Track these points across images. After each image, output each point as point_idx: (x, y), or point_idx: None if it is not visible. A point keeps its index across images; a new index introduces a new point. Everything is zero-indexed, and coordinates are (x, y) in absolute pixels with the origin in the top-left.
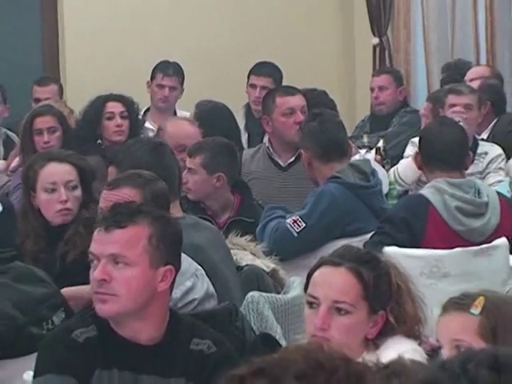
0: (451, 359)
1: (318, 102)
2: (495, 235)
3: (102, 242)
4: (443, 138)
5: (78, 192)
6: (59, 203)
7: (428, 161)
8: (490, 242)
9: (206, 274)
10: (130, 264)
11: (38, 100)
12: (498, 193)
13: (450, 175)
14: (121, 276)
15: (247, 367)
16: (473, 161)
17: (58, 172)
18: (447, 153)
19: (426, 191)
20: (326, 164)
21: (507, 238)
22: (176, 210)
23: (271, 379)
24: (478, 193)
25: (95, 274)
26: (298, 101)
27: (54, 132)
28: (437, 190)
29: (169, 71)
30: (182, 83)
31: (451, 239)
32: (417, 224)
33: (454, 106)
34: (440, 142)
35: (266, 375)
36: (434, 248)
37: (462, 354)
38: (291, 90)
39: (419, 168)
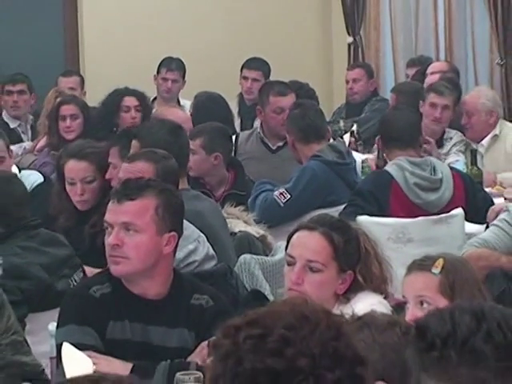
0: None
1: (301, 92)
2: (450, 206)
3: (115, 212)
4: (398, 120)
5: (95, 184)
6: (77, 195)
7: (387, 141)
8: (445, 211)
9: (206, 237)
10: (139, 231)
11: (57, 91)
12: (452, 168)
13: (406, 153)
14: (131, 241)
15: (242, 319)
16: (442, 144)
17: (75, 169)
18: (402, 132)
19: (389, 168)
20: (306, 145)
21: (462, 207)
22: (183, 184)
23: (263, 329)
24: (434, 170)
25: (110, 239)
26: (288, 100)
27: (76, 119)
28: (399, 167)
29: (172, 66)
30: (183, 76)
31: (411, 210)
32: (382, 196)
33: (434, 105)
34: (395, 124)
35: (259, 326)
36: (397, 217)
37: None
38: (283, 91)
39: (380, 150)
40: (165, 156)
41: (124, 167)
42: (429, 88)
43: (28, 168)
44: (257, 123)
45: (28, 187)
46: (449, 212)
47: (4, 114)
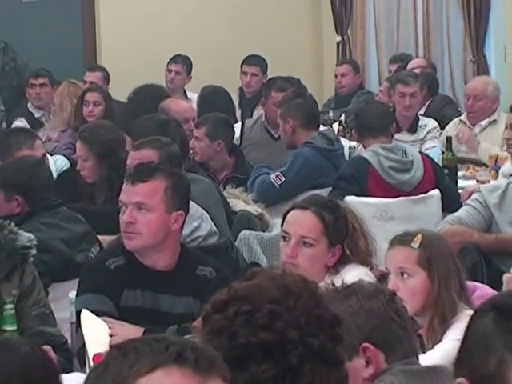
0: None
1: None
2: (421, 185)
3: (129, 193)
4: (369, 113)
5: (89, 163)
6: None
7: (361, 131)
8: (417, 190)
9: None
10: (150, 210)
11: (85, 82)
12: (421, 153)
13: (378, 140)
14: (143, 219)
15: (229, 293)
16: (416, 130)
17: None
18: (373, 123)
19: (366, 154)
20: (307, 131)
21: (433, 188)
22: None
23: (252, 305)
24: (405, 154)
25: (124, 217)
26: None
27: (98, 105)
28: (374, 153)
29: (176, 60)
30: (187, 71)
31: (387, 190)
32: (361, 179)
33: (402, 94)
34: (367, 115)
35: (247, 301)
36: (376, 197)
37: None
38: (284, 87)
39: (357, 141)
40: (167, 142)
41: (131, 155)
42: (396, 79)
43: (51, 154)
44: (255, 113)
45: (55, 172)
46: (421, 190)
47: (29, 104)
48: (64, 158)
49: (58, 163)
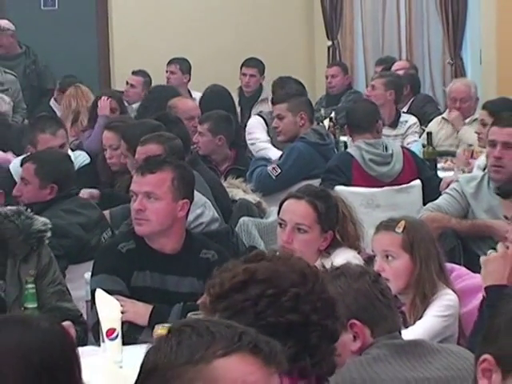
0: None
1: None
2: (401, 176)
3: (139, 183)
4: (356, 112)
5: (119, 151)
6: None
7: (350, 128)
8: (397, 180)
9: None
10: (158, 198)
11: (127, 83)
12: (403, 147)
13: (363, 136)
14: (152, 207)
15: (246, 275)
16: (397, 125)
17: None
18: (359, 121)
19: (350, 149)
20: (311, 125)
21: (414, 179)
22: None
23: (275, 288)
24: (386, 148)
25: (135, 205)
26: None
27: (113, 112)
28: (357, 148)
29: (171, 61)
30: (181, 70)
31: (369, 181)
32: (346, 171)
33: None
34: (354, 114)
35: (270, 285)
36: (360, 185)
37: None
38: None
39: (349, 136)
40: (170, 137)
41: (138, 149)
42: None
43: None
44: (254, 111)
45: (76, 166)
46: (401, 181)
47: (52, 102)
48: (85, 154)
49: (79, 159)
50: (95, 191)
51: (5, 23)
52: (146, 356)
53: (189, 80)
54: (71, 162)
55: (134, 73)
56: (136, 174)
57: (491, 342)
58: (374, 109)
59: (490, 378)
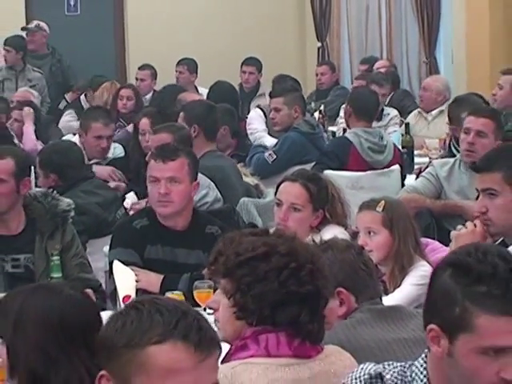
0: None
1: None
2: (390, 165)
3: (162, 170)
4: (362, 96)
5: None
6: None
7: (355, 112)
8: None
9: (224, 184)
10: (180, 182)
11: (137, 79)
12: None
13: (362, 123)
14: (176, 189)
15: (268, 247)
16: (381, 118)
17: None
18: (365, 106)
19: (348, 135)
20: (303, 117)
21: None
22: (213, 146)
23: (296, 262)
24: (381, 138)
25: (161, 190)
26: None
27: (131, 100)
28: (355, 135)
29: (180, 62)
30: (189, 70)
31: (363, 166)
32: (342, 155)
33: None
34: (360, 99)
35: (292, 259)
36: (353, 171)
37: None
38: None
39: (346, 121)
40: (180, 127)
41: (151, 138)
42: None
43: None
44: (252, 104)
45: (111, 156)
46: (388, 165)
47: (82, 98)
48: (121, 147)
49: (116, 151)
50: (122, 185)
51: (42, 24)
52: (101, 330)
53: (195, 78)
54: (74, 150)
55: (140, 68)
56: (156, 161)
57: (433, 312)
58: (377, 97)
59: (439, 344)
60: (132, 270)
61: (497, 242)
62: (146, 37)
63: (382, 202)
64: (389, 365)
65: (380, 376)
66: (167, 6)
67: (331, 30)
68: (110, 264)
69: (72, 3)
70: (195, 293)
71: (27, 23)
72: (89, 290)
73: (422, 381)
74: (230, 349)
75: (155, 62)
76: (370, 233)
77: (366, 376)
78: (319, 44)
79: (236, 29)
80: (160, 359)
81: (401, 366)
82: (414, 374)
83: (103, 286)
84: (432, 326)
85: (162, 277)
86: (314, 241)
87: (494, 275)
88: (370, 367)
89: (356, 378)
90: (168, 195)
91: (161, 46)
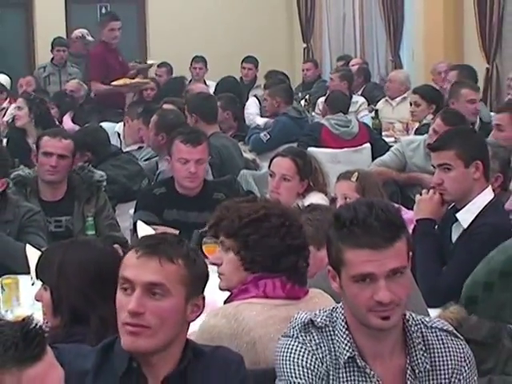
0: None
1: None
2: (358, 136)
3: (193, 153)
4: (336, 97)
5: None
6: None
7: (327, 112)
8: (355, 139)
9: (229, 159)
10: (203, 162)
11: (156, 74)
12: (357, 119)
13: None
14: (201, 168)
15: (265, 209)
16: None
17: None
18: (338, 104)
19: (320, 120)
20: (286, 105)
21: (367, 141)
22: (217, 129)
23: (289, 221)
24: (346, 117)
25: (192, 169)
26: None
27: (153, 90)
28: (326, 120)
29: (198, 60)
30: (205, 66)
31: (334, 139)
32: (315, 135)
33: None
34: (335, 99)
35: (285, 219)
36: (328, 146)
37: None
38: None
39: (322, 114)
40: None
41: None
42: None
43: None
44: (251, 94)
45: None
46: (358, 141)
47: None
48: None
49: None
50: None
51: (85, 33)
52: None
53: (205, 72)
54: (102, 131)
55: (159, 66)
56: (186, 145)
57: (328, 256)
58: (347, 97)
59: (335, 280)
60: (152, 228)
61: (449, 207)
62: (165, 37)
63: (356, 173)
64: (319, 311)
65: (311, 321)
66: (182, 16)
67: (315, 33)
68: (134, 224)
69: (103, 11)
70: (204, 247)
71: (67, 29)
72: (116, 245)
73: (341, 319)
74: (232, 293)
75: (172, 58)
76: (346, 198)
77: (299, 324)
78: (305, 45)
79: (238, 33)
80: None
81: (329, 310)
82: (337, 314)
83: (129, 242)
84: (328, 266)
85: (177, 232)
86: (298, 205)
87: (355, 218)
88: (303, 316)
89: (293, 328)
90: (196, 173)
91: (175, 46)
